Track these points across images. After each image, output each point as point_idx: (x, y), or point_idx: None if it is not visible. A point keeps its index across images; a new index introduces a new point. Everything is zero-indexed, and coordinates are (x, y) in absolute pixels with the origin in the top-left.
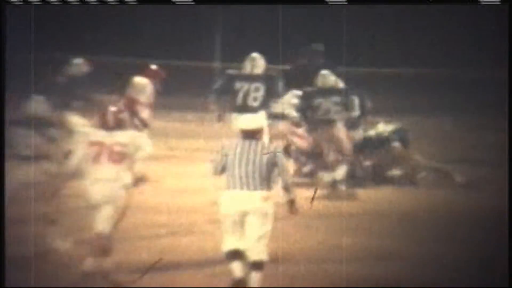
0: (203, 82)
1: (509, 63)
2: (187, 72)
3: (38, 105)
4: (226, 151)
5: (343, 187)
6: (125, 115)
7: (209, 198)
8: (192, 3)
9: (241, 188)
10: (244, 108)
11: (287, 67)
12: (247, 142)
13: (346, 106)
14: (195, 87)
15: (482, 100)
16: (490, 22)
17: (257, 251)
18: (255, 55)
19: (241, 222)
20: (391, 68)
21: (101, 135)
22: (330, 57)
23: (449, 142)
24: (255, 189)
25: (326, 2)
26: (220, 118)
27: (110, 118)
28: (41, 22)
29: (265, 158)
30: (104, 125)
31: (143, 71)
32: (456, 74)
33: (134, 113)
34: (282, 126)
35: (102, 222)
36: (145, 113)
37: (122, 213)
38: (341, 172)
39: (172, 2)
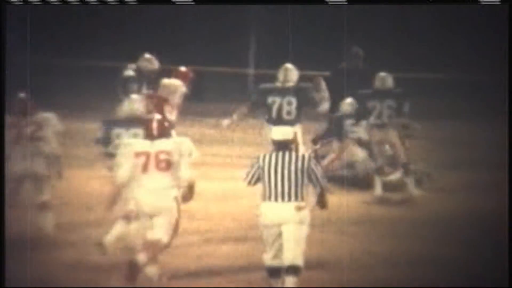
0: (236, 88)
1: (509, 64)
2: (220, 78)
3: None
4: (260, 162)
5: (414, 191)
6: (168, 123)
7: (244, 205)
8: (192, 3)
9: (277, 199)
10: (279, 121)
11: (327, 72)
12: (280, 153)
13: (398, 111)
14: (228, 92)
15: (481, 101)
16: (490, 22)
17: (293, 256)
18: (287, 66)
19: (279, 232)
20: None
21: (146, 144)
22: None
23: (449, 145)
24: (290, 199)
25: (326, 2)
26: (230, 126)
27: (155, 127)
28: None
29: (299, 167)
30: (149, 135)
31: (172, 73)
32: (455, 74)
33: (163, 114)
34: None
35: (158, 231)
36: (173, 115)
37: (177, 223)
38: (395, 177)
39: (172, 2)
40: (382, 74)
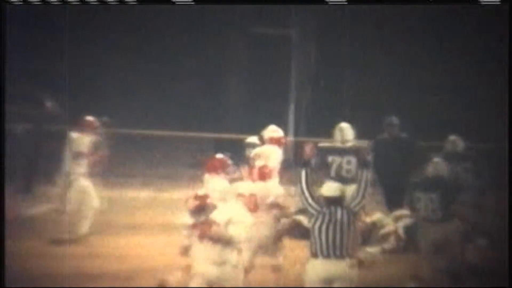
0: None
1: (509, 64)
2: None
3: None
4: (311, 219)
5: None
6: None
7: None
8: (192, 3)
9: (327, 256)
10: (339, 179)
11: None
12: (331, 209)
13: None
14: None
15: (481, 101)
16: (490, 22)
17: None
18: (343, 125)
19: None
20: (390, 68)
21: (246, 186)
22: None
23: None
24: (341, 256)
25: (326, 2)
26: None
27: (257, 172)
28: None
29: (350, 223)
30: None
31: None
32: (455, 74)
33: None
34: None
35: None
36: None
37: None
38: None
39: (172, 2)
40: (452, 137)
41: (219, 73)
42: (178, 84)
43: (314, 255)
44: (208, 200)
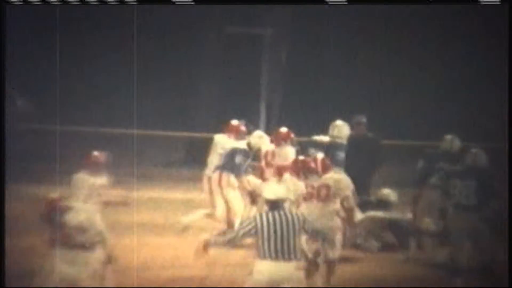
0: None
1: (509, 63)
2: None
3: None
4: (255, 221)
5: None
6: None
7: None
8: (192, 3)
9: (274, 259)
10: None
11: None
12: (275, 212)
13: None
14: None
15: (481, 101)
16: (490, 22)
17: None
18: (338, 122)
19: None
20: (390, 67)
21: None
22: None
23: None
24: (289, 258)
25: (326, 2)
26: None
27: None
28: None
29: (296, 226)
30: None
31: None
32: (455, 74)
33: None
34: None
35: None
36: None
37: None
38: None
39: (172, 2)
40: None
41: (191, 72)
42: (150, 83)
43: (262, 257)
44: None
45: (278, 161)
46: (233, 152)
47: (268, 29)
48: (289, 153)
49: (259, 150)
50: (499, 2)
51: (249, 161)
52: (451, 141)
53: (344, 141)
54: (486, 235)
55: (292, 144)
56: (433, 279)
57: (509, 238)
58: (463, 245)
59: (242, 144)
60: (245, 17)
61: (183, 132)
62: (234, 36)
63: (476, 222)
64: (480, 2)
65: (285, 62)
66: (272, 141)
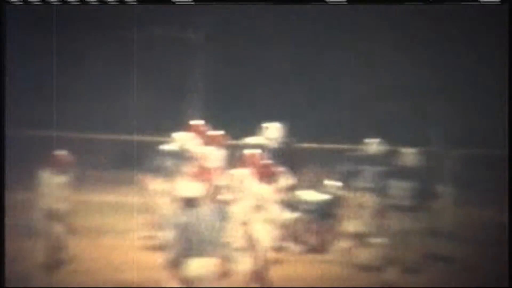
0: None
1: (509, 63)
2: None
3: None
4: (175, 220)
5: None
6: None
7: None
8: (192, 3)
9: (195, 255)
10: None
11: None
12: (193, 210)
13: None
14: None
15: (481, 101)
16: (490, 22)
17: None
18: (270, 124)
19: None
20: (388, 67)
21: None
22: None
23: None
24: (207, 255)
25: (326, 2)
26: None
27: None
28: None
29: (215, 223)
30: None
31: None
32: (455, 74)
33: None
34: None
35: None
36: None
37: None
38: None
39: (172, 2)
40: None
41: (121, 74)
42: (81, 85)
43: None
44: None
45: (209, 163)
46: (166, 154)
47: (197, 31)
48: (219, 155)
49: (189, 151)
50: (499, 2)
51: (180, 162)
52: (375, 144)
53: (273, 144)
54: (419, 235)
55: (223, 146)
56: (359, 279)
57: (509, 238)
58: (396, 245)
59: (173, 146)
60: (172, 18)
61: (113, 135)
62: (163, 37)
63: (411, 222)
64: (480, 2)
65: (214, 63)
66: (204, 143)
